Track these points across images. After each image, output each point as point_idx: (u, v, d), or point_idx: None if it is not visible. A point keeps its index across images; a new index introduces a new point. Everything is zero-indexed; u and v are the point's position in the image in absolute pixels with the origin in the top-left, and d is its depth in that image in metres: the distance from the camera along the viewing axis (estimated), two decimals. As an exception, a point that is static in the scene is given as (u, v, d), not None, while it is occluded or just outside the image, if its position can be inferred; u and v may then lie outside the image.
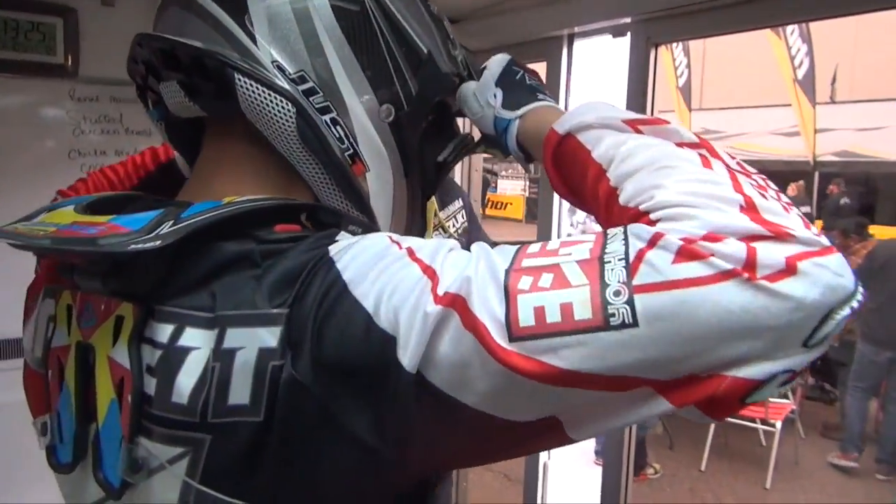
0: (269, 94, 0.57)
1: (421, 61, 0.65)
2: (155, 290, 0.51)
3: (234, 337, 0.48)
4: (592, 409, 0.45)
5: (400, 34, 0.64)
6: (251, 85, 0.57)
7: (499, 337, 0.43)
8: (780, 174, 8.95)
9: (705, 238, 0.42)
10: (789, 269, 0.41)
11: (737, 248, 0.41)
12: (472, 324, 0.44)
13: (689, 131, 0.52)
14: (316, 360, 0.46)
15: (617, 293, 0.42)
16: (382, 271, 0.47)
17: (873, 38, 7.67)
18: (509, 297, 0.44)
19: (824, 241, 0.43)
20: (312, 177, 0.60)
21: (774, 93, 8.66)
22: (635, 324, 0.41)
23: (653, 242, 0.43)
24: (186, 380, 0.48)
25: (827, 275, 0.41)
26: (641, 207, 0.47)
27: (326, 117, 0.59)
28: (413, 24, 0.65)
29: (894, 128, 8.25)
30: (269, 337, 0.47)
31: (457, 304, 0.44)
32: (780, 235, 0.42)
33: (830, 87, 8.79)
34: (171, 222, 0.50)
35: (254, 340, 0.47)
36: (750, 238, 0.42)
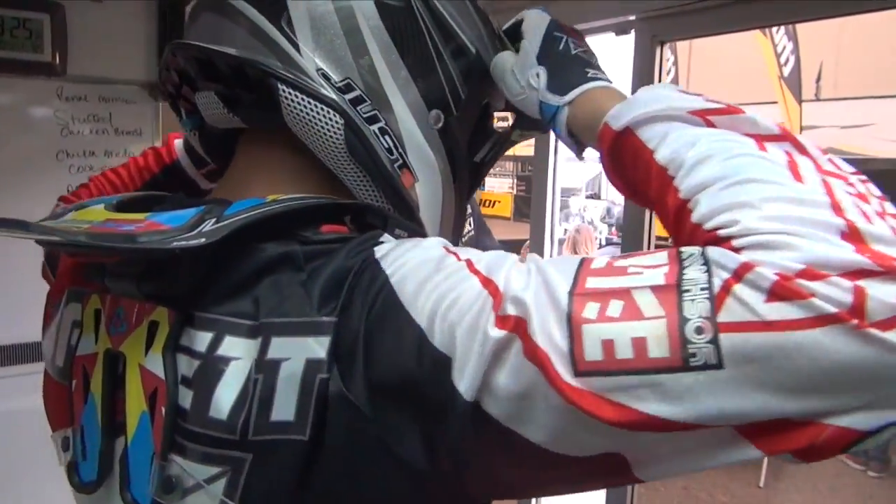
0: (316, 106, 0.54)
1: (469, 61, 0.61)
2: (193, 294, 0.48)
3: (280, 347, 0.44)
4: (665, 449, 0.40)
5: (447, 32, 0.60)
6: (296, 96, 0.54)
7: (563, 370, 0.38)
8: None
9: (803, 274, 0.36)
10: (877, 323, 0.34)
11: (842, 290, 0.35)
12: (533, 353, 0.39)
13: (769, 120, 0.46)
14: (366, 377, 0.43)
15: (699, 330, 0.36)
16: (438, 284, 0.44)
17: (856, 36, 7.73)
18: (573, 326, 0.39)
19: None
20: (359, 189, 0.57)
21: (761, 90, 8.70)
22: (720, 365, 0.36)
23: (739, 275, 0.37)
24: (226, 393, 0.45)
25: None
26: (721, 233, 0.40)
27: (374, 127, 0.56)
28: (459, 20, 0.61)
29: (878, 125, 8.32)
30: (318, 347, 0.44)
31: (519, 328, 0.40)
32: (891, 271, 0.36)
33: (815, 84, 8.84)
34: (213, 219, 0.48)
35: (301, 350, 0.44)
36: (856, 274, 0.36)
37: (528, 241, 2.15)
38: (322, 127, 0.54)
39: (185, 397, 0.46)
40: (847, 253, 0.36)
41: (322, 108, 0.54)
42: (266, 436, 0.44)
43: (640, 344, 0.37)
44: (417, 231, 0.55)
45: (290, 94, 0.54)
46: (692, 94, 0.49)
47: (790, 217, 0.38)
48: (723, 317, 0.36)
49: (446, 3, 0.60)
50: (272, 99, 0.54)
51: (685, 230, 0.43)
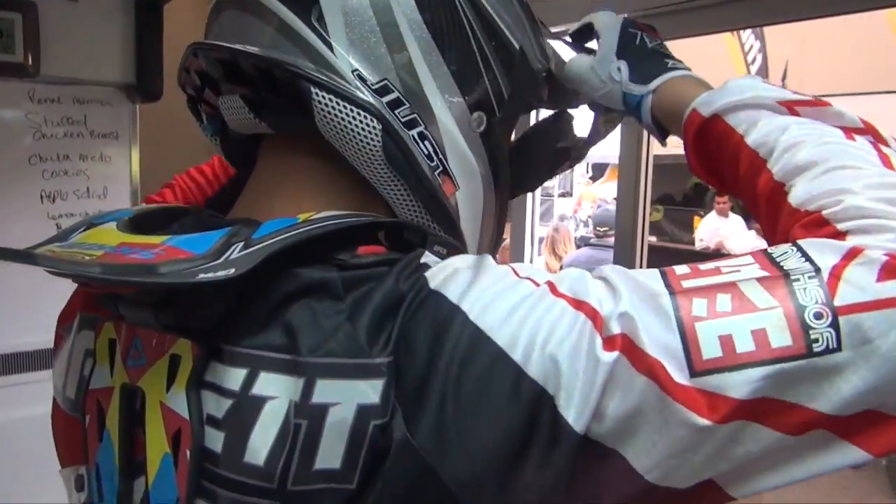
0: (352, 110, 0.50)
1: (513, 58, 0.57)
2: (219, 325, 0.44)
3: (326, 390, 0.40)
4: (760, 461, 0.39)
5: (491, 27, 0.55)
6: (330, 100, 0.49)
7: (677, 374, 0.37)
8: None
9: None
10: None
11: None
12: (645, 365, 0.38)
13: (852, 113, 0.47)
14: (441, 420, 0.39)
15: (818, 315, 0.37)
16: (527, 314, 0.40)
17: (820, 36, 7.89)
18: (684, 326, 0.38)
19: None
20: (396, 198, 0.53)
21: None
22: (839, 348, 0.36)
23: (850, 257, 0.38)
24: (263, 437, 0.41)
25: None
26: (825, 213, 0.41)
27: (414, 132, 0.51)
28: (503, 14, 0.56)
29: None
30: (370, 391, 0.40)
31: (626, 344, 0.38)
32: None
33: (782, 83, 9.00)
34: (240, 244, 0.43)
35: (351, 395, 0.40)
36: None
37: (507, 241, 2.14)
38: (358, 133, 0.50)
39: (214, 439, 0.42)
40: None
41: (359, 113, 0.50)
42: (308, 485, 0.40)
43: (760, 335, 0.37)
44: (457, 246, 0.51)
45: (323, 97, 0.49)
46: (777, 87, 0.51)
47: (890, 199, 0.40)
48: (838, 300, 0.37)
49: None
50: (303, 103, 0.50)
51: (783, 211, 0.45)
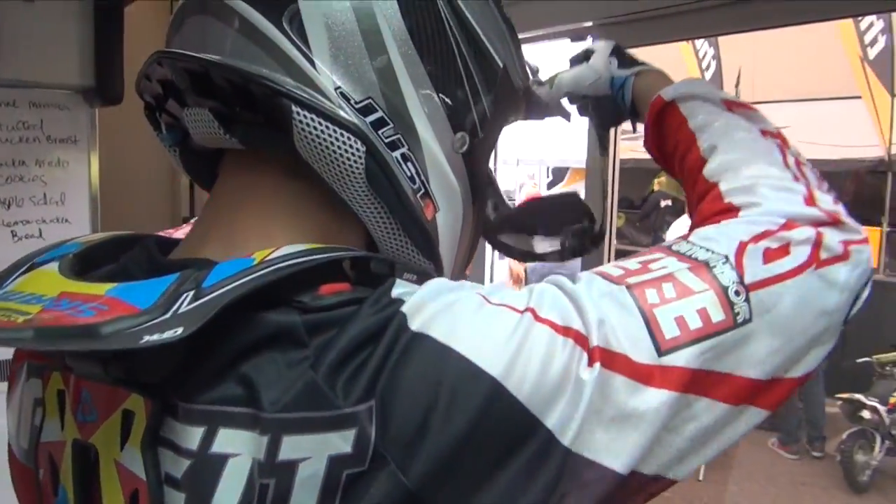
0: (335, 131, 0.47)
1: (497, 77, 0.55)
2: (171, 379, 0.41)
3: (294, 446, 0.38)
4: (699, 434, 0.44)
5: (476, 45, 0.53)
6: (312, 119, 0.46)
7: (646, 358, 0.42)
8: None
9: (785, 226, 0.50)
10: (845, 254, 0.50)
11: (808, 234, 0.50)
12: (619, 363, 0.42)
13: (770, 121, 0.61)
14: (439, 461, 0.39)
15: (737, 293, 0.46)
16: (520, 345, 0.41)
17: (772, 43, 8.10)
18: (646, 313, 0.44)
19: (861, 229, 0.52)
20: (374, 220, 0.51)
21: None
22: (750, 319, 0.45)
23: (741, 250, 0.48)
24: (227, 497, 0.39)
25: (864, 258, 0.51)
26: (722, 187, 0.55)
27: (397, 153, 0.49)
28: (488, 31, 0.54)
29: (792, 127, 8.75)
30: (341, 442, 0.38)
31: (603, 354, 0.42)
32: (834, 221, 0.52)
33: (735, 89, 9.22)
34: (190, 293, 0.40)
35: (321, 448, 0.38)
36: (816, 223, 0.51)
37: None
38: (341, 154, 0.47)
39: (174, 500, 0.40)
40: (811, 211, 0.52)
41: (342, 134, 0.47)
42: None
43: (704, 313, 0.45)
44: (429, 273, 0.49)
45: (305, 116, 0.46)
46: (722, 90, 0.64)
47: (775, 186, 0.54)
48: (747, 278, 0.46)
49: (475, 10, 0.53)
50: (281, 120, 0.47)
51: (698, 183, 0.59)
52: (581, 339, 0.42)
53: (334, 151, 0.47)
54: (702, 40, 8.46)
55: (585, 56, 0.80)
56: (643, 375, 0.42)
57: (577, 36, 1.77)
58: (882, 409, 3.99)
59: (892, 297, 5.10)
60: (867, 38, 7.36)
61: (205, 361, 0.41)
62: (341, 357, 0.40)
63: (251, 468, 0.39)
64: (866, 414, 4.01)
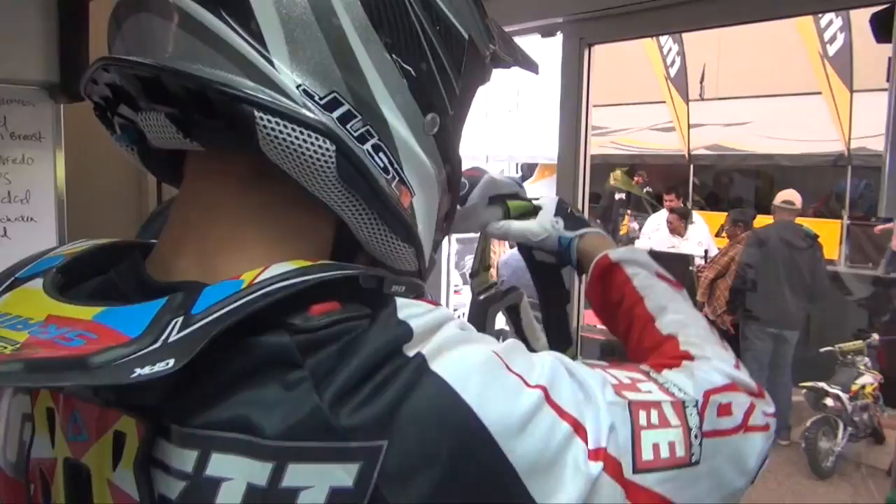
0: (302, 132, 0.44)
1: (464, 49, 0.52)
2: (164, 402, 0.41)
3: (298, 474, 0.39)
4: None
5: (440, 21, 0.50)
6: (277, 123, 0.44)
7: (627, 468, 0.47)
8: (658, 168, 9.45)
9: (729, 388, 0.58)
10: (767, 426, 0.59)
11: (745, 401, 0.58)
12: (613, 468, 0.46)
13: (682, 289, 0.75)
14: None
15: (696, 436, 0.52)
16: (525, 426, 0.43)
17: (735, 40, 8.23)
18: (635, 433, 0.48)
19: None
20: (350, 214, 0.49)
21: (651, 90, 9.12)
22: (700, 462, 0.52)
23: (707, 396, 0.55)
24: None
25: (774, 429, 0.60)
26: (680, 338, 0.65)
27: (367, 145, 0.47)
28: (451, 1, 0.51)
29: (755, 124, 8.90)
30: (345, 475, 0.39)
31: (606, 457, 0.46)
32: (761, 394, 0.60)
33: (700, 85, 9.35)
34: (179, 320, 0.39)
35: (324, 479, 0.39)
36: (750, 392, 0.59)
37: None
38: (310, 156, 0.45)
39: None
40: (744, 377, 0.60)
41: (309, 135, 0.44)
42: None
43: (672, 446, 0.50)
44: (418, 284, 0.49)
45: (269, 121, 0.44)
46: (653, 261, 0.76)
47: (707, 339, 0.65)
48: (705, 426, 0.53)
49: None
50: (243, 124, 0.44)
51: (648, 332, 0.69)
52: (583, 433, 0.45)
53: (303, 153, 0.45)
54: (666, 37, 8.56)
55: (534, 210, 0.88)
56: (624, 484, 0.46)
57: (547, 31, 1.78)
58: (844, 396, 4.08)
59: (853, 287, 5.24)
60: (827, 36, 7.51)
61: (197, 385, 0.40)
62: (350, 384, 0.40)
63: (245, 492, 0.39)
64: (829, 402, 4.10)
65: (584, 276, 0.81)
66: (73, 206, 2.00)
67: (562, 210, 0.86)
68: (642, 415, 0.49)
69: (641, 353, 0.68)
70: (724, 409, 0.55)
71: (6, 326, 0.42)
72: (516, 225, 0.86)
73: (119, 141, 0.53)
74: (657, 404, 0.51)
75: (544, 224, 0.85)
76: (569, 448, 0.44)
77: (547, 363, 0.47)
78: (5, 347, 0.40)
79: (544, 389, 0.45)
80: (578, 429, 0.45)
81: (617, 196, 9.25)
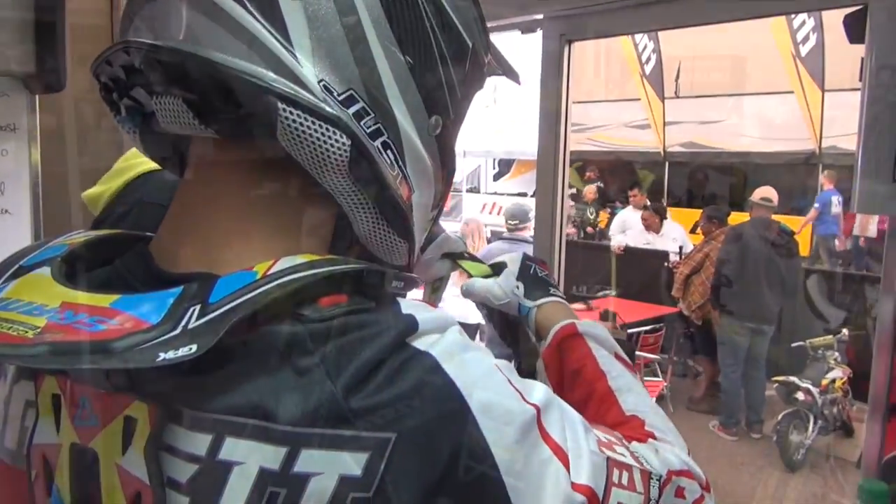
0: (321, 126, 0.46)
1: (467, 57, 0.55)
2: (177, 388, 0.42)
3: (311, 460, 0.40)
4: None
5: (447, 24, 0.53)
6: (298, 115, 0.46)
7: None
8: (635, 164, 9.53)
9: (686, 475, 0.59)
10: None
11: (697, 490, 0.60)
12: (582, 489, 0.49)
13: (637, 377, 0.75)
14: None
15: None
16: (522, 438, 0.46)
17: (708, 38, 8.34)
18: (609, 487, 0.51)
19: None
20: (352, 205, 0.51)
21: (626, 87, 9.20)
22: None
23: (669, 475, 0.57)
24: (233, 501, 0.40)
25: None
26: (646, 420, 0.66)
27: (378, 142, 0.49)
28: (458, 10, 0.54)
29: (728, 122, 9.02)
30: (353, 463, 0.40)
31: (590, 495, 0.48)
32: (708, 488, 0.62)
33: (675, 83, 9.45)
34: (196, 308, 0.41)
35: (335, 466, 0.40)
36: (702, 486, 0.61)
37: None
38: (327, 149, 0.47)
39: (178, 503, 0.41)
40: (697, 468, 0.62)
41: (328, 129, 0.46)
42: None
43: None
44: (414, 279, 0.52)
45: (291, 112, 0.45)
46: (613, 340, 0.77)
47: (670, 429, 0.66)
48: (661, 502, 0.56)
49: None
50: (265, 115, 0.46)
51: (612, 408, 0.68)
52: (566, 462, 0.48)
53: (320, 146, 0.47)
54: (642, 34, 8.63)
55: (498, 269, 0.88)
56: None
57: (528, 28, 1.79)
58: (815, 390, 4.16)
59: (823, 284, 5.34)
60: (799, 36, 7.64)
61: (212, 371, 0.41)
62: (362, 373, 0.42)
63: (258, 476, 0.40)
64: (800, 395, 4.18)
65: (542, 342, 0.81)
66: (48, 197, 1.97)
67: (525, 271, 0.85)
68: (616, 473, 0.52)
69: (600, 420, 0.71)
70: (680, 493, 0.58)
71: (22, 312, 0.43)
72: (479, 284, 0.86)
73: (122, 123, 0.54)
74: (629, 467, 0.53)
75: (506, 289, 0.84)
76: (550, 468, 0.47)
77: (542, 388, 0.50)
78: (27, 332, 0.41)
79: (538, 410, 0.48)
80: (562, 456, 0.48)
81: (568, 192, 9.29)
